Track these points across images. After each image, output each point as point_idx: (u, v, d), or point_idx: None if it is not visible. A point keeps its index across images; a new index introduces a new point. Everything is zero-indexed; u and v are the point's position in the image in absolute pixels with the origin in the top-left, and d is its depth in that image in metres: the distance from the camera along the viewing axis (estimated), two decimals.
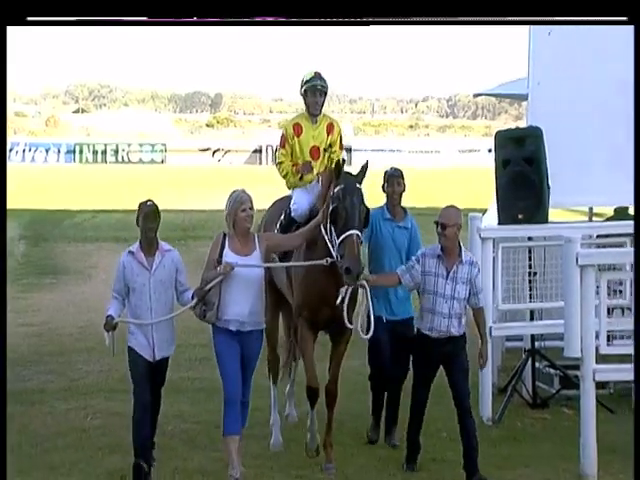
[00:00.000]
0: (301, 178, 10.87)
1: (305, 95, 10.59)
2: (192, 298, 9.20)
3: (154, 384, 9.43)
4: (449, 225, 9.34)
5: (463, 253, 9.54)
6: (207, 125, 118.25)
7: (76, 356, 15.60)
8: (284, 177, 10.84)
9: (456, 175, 56.25)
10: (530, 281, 13.57)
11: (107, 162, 77.55)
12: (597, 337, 11.10)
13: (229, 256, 9.20)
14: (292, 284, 10.04)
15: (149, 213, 9.04)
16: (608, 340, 11.04)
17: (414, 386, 10.11)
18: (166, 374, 9.53)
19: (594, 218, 14.90)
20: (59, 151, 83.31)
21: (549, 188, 12.92)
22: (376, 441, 11.16)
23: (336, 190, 9.23)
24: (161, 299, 9.12)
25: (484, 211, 13.61)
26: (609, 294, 11.73)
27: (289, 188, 10.88)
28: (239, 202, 9.29)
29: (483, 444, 10.38)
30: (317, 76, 10.52)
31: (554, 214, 13.54)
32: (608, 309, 11.65)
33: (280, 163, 10.81)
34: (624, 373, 11.22)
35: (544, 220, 12.97)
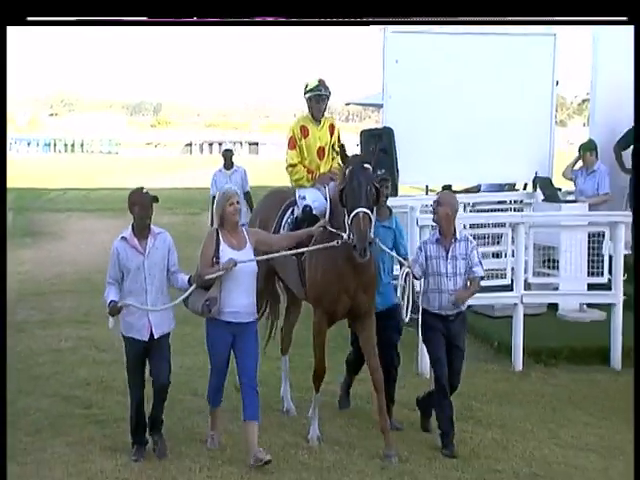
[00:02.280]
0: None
1: (310, 101, 9.01)
2: (189, 283, 7.90)
3: (156, 360, 8.00)
4: (441, 205, 8.39)
5: (457, 232, 8.51)
6: (151, 126, 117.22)
7: (52, 296, 15.97)
8: (295, 180, 9.16)
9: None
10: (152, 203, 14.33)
11: (75, 153, 77.77)
12: None
13: (226, 251, 7.91)
14: (306, 278, 8.54)
15: (146, 202, 7.83)
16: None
17: (437, 371, 8.53)
18: (170, 349, 8.09)
19: (429, 193, 14.59)
20: (38, 144, 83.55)
21: (398, 171, 13.98)
22: (347, 407, 9.61)
23: (348, 170, 7.91)
24: (155, 281, 7.86)
25: None
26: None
27: (296, 187, 9.18)
28: (226, 197, 7.98)
29: None
30: (321, 84, 8.93)
31: (402, 189, 14.73)
32: None
33: (293, 165, 9.10)
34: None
35: (395, 194, 13.31)
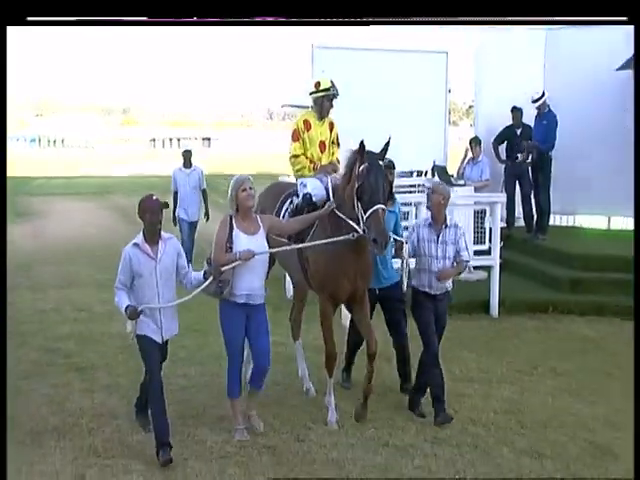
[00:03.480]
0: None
1: (320, 99, 8.09)
2: (204, 277, 6.99)
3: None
4: (435, 193, 7.91)
5: (447, 219, 8.00)
6: (121, 124, 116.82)
7: (36, 265, 15.56)
8: (297, 170, 8.32)
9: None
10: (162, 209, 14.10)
11: (57, 147, 76.97)
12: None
13: (239, 236, 7.06)
14: (308, 264, 7.70)
15: (156, 209, 6.88)
16: None
17: (427, 339, 7.86)
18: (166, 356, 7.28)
19: None
20: (25, 140, 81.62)
21: None
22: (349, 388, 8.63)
23: (361, 168, 7.06)
24: (167, 284, 6.95)
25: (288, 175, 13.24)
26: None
27: (298, 177, 8.30)
28: (239, 183, 7.13)
29: None
30: (333, 85, 8.13)
31: None
32: None
33: (295, 156, 8.25)
34: None
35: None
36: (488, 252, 12.29)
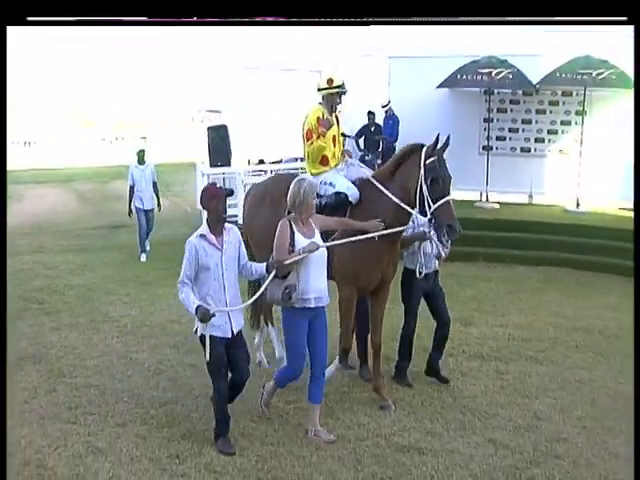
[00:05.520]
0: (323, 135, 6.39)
1: (333, 95, 6.42)
2: (267, 270, 5.43)
3: (237, 357, 5.45)
4: None
5: None
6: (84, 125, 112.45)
7: (14, 236, 14.18)
8: (319, 169, 6.44)
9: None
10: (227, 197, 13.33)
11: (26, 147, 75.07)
12: None
13: (300, 239, 5.42)
14: (337, 255, 5.92)
15: (221, 196, 5.37)
16: None
17: (410, 318, 6.68)
18: (246, 343, 5.61)
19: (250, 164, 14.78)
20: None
21: (231, 151, 13.77)
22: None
23: (429, 161, 5.73)
24: (231, 275, 5.37)
25: (202, 161, 13.97)
26: None
27: (314, 174, 6.46)
28: (314, 189, 5.55)
29: None
30: (343, 82, 6.53)
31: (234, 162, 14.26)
32: None
33: (308, 152, 6.47)
34: None
35: (229, 164, 13.51)
36: None
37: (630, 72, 12.66)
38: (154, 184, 12.33)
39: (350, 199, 6.15)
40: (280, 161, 15.03)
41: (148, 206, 12.25)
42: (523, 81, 13.58)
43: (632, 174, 13.09)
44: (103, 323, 8.51)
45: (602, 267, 11.06)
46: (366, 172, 6.45)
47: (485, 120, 14.37)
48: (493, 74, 13.52)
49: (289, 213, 5.61)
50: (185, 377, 6.82)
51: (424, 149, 5.85)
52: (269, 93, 14.85)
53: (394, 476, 5.00)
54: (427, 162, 5.79)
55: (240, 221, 11.86)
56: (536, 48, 13.18)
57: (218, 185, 5.79)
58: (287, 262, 5.35)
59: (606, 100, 13.43)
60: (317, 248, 5.42)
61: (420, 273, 6.42)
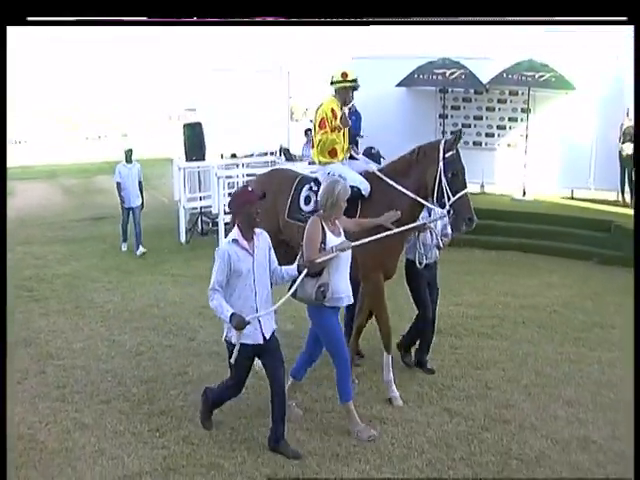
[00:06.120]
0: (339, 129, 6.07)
1: (346, 89, 6.09)
2: (298, 270, 4.94)
3: (272, 366, 4.95)
4: None
5: None
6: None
7: (9, 231, 13.63)
8: (326, 158, 6.12)
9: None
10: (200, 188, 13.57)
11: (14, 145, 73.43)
12: None
13: (330, 238, 5.04)
14: (362, 250, 5.39)
15: (255, 200, 4.82)
16: None
17: (423, 309, 6.34)
18: (279, 347, 5.06)
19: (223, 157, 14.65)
20: None
21: (205, 145, 13.26)
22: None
23: (449, 155, 5.53)
24: (262, 280, 4.86)
25: (178, 156, 13.64)
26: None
27: (320, 163, 6.17)
28: (346, 193, 5.12)
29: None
30: (357, 78, 6.20)
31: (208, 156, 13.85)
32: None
33: (321, 141, 6.03)
34: None
35: (203, 159, 13.15)
36: None
37: (569, 75, 13.01)
38: (139, 183, 11.96)
39: (363, 192, 5.85)
40: (251, 155, 14.86)
41: (133, 204, 11.85)
42: (474, 81, 13.72)
43: (571, 165, 13.63)
44: (88, 309, 8.44)
45: (546, 250, 11.19)
46: (372, 166, 6.16)
47: (440, 116, 14.46)
48: (447, 74, 13.64)
49: (313, 213, 5.27)
50: (164, 357, 6.80)
51: (442, 143, 5.65)
52: (240, 92, 14.86)
53: (358, 444, 5.03)
54: (446, 156, 5.57)
55: (214, 211, 11.98)
56: (486, 51, 13.32)
57: (250, 188, 5.07)
58: (319, 260, 4.97)
59: (548, 100, 13.63)
60: (349, 247, 5.12)
61: (420, 263, 6.18)
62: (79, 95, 47.25)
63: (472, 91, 14.32)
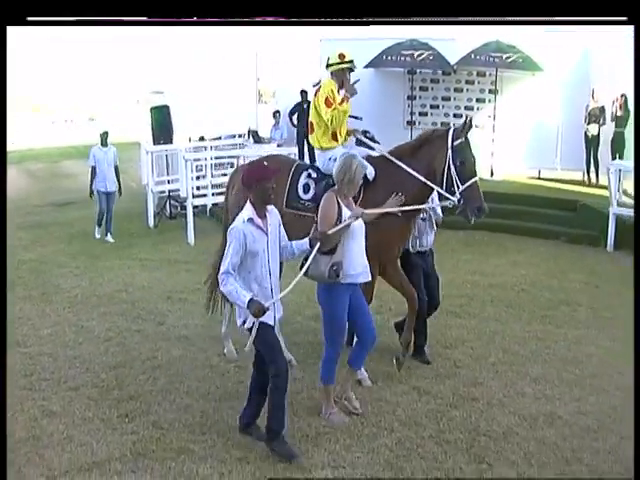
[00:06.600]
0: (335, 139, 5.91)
1: (343, 71, 5.78)
2: (310, 245, 4.64)
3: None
4: None
5: None
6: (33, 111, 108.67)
7: None
8: (324, 134, 5.86)
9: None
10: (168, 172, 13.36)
11: None
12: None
13: (346, 213, 4.80)
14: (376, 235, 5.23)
15: (270, 177, 4.50)
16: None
17: (420, 294, 5.93)
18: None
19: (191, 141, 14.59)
20: None
21: (173, 129, 13.34)
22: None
23: (457, 143, 5.40)
24: (275, 259, 4.57)
25: (146, 140, 13.55)
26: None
27: (322, 148, 5.91)
28: (363, 170, 4.97)
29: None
30: (353, 60, 5.87)
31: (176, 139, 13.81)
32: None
33: (333, 117, 5.68)
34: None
35: (171, 142, 13.09)
36: None
37: (536, 57, 13.10)
38: (116, 168, 11.54)
39: (368, 176, 5.57)
40: (219, 138, 14.80)
41: (110, 188, 11.44)
42: (442, 62, 13.71)
43: (538, 146, 13.73)
44: (55, 295, 8.31)
45: (514, 229, 11.27)
46: (377, 150, 5.95)
47: (409, 97, 14.49)
48: (415, 55, 13.62)
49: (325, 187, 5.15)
50: (132, 342, 6.72)
51: (451, 131, 5.51)
52: (208, 75, 14.70)
53: (327, 425, 5.03)
54: (455, 144, 5.44)
55: (183, 194, 11.83)
56: (453, 32, 13.13)
57: (265, 163, 4.78)
58: (333, 231, 4.73)
59: (515, 81, 13.71)
60: (362, 213, 4.91)
61: (413, 248, 6.06)
62: (45, 78, 46.20)
63: (440, 72, 14.34)
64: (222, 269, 4.44)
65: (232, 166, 12.68)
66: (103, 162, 11.38)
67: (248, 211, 4.52)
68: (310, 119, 6.03)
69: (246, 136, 14.57)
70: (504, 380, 5.83)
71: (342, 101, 5.79)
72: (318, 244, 4.66)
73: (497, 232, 11.22)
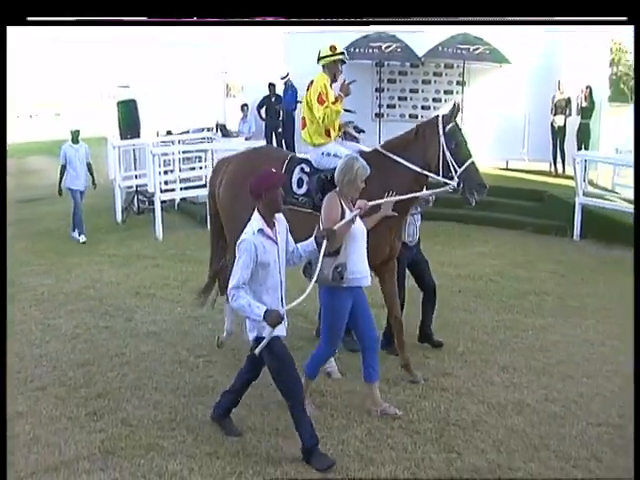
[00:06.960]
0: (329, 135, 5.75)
1: (336, 63, 5.67)
2: (316, 242, 4.49)
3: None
4: None
5: None
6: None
7: None
8: (316, 130, 5.70)
9: None
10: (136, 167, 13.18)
11: None
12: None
13: (347, 214, 4.72)
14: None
15: (279, 184, 4.37)
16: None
17: (402, 286, 6.03)
18: None
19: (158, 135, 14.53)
20: None
21: (140, 123, 13.15)
22: None
23: (449, 127, 5.33)
24: (283, 267, 4.42)
25: (113, 134, 13.46)
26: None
27: (314, 145, 5.74)
28: (364, 171, 4.78)
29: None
30: (345, 52, 5.85)
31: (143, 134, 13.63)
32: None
33: (325, 114, 5.53)
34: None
35: (139, 136, 12.97)
36: None
37: (503, 49, 13.21)
38: (88, 165, 11.28)
39: (365, 171, 5.31)
40: (187, 132, 14.68)
41: (81, 187, 11.14)
42: (410, 54, 13.78)
43: (505, 137, 13.85)
44: (21, 293, 8.11)
45: (481, 220, 11.33)
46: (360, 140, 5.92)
47: (377, 90, 14.53)
48: (383, 48, 13.67)
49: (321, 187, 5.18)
50: (100, 339, 6.65)
51: (440, 117, 5.45)
52: (175, 68, 14.57)
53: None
54: (447, 128, 5.38)
55: (150, 189, 11.69)
56: (420, 25, 13.38)
57: (274, 170, 4.63)
58: (338, 226, 4.62)
59: (482, 72, 13.84)
60: (366, 205, 4.81)
61: (404, 245, 5.91)
62: (9, 73, 45.27)
63: (408, 64, 14.39)
64: (231, 284, 4.27)
65: (200, 160, 12.65)
66: (75, 160, 11.14)
67: (258, 222, 4.35)
68: (302, 114, 5.91)
69: (214, 130, 14.48)
70: (473, 369, 5.88)
71: (336, 100, 5.70)
72: (325, 243, 4.52)
73: (464, 223, 11.30)
